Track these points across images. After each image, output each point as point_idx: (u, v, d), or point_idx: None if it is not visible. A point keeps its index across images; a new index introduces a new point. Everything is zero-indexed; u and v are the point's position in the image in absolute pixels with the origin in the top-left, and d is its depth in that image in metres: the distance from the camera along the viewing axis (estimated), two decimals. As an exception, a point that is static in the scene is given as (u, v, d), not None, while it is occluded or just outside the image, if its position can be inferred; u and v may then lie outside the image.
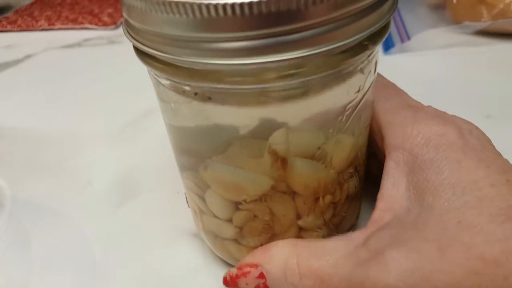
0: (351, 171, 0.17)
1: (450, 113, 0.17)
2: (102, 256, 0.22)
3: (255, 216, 0.16)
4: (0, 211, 0.26)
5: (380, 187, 0.17)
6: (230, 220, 0.17)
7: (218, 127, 0.15)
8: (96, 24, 0.51)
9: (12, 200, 0.27)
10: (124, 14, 0.14)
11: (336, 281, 0.15)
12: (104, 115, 0.35)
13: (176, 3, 0.11)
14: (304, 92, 0.13)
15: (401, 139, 0.16)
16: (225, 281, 0.17)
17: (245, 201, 0.16)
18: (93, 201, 0.26)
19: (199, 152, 0.16)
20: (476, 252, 0.13)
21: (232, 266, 0.20)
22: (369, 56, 0.14)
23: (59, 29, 0.53)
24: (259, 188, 0.15)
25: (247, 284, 0.17)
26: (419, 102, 0.18)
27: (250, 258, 0.17)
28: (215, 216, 0.17)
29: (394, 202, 0.16)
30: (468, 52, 0.36)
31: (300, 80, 0.12)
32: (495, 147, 0.16)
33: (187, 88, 0.14)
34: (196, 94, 0.13)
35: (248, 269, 0.17)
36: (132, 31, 0.14)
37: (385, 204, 0.16)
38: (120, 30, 0.51)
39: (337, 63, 0.13)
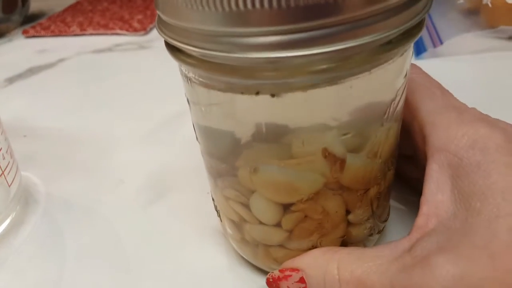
0: (392, 159, 0.17)
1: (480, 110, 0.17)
2: (134, 253, 0.22)
3: (306, 216, 0.16)
4: (35, 207, 0.27)
5: (423, 191, 0.16)
6: (278, 225, 0.17)
7: (272, 125, 0.15)
8: (126, 30, 0.52)
9: (46, 197, 0.27)
10: (158, 11, 0.14)
11: (378, 287, 0.14)
12: (135, 117, 0.35)
13: None
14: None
15: (445, 140, 0.16)
16: (268, 282, 0.18)
17: (300, 201, 0.16)
18: (125, 199, 0.26)
19: (249, 157, 0.16)
20: None
21: (261, 270, 0.20)
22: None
23: (91, 34, 0.54)
24: (313, 186, 0.15)
25: (288, 287, 0.17)
26: (464, 104, 0.18)
27: (292, 262, 0.17)
28: (260, 223, 0.17)
29: (438, 206, 0.15)
30: (503, 57, 0.35)
31: (335, 75, 0.12)
32: None
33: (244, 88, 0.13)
34: (257, 93, 0.13)
35: (289, 272, 0.17)
36: (164, 27, 0.14)
37: (429, 208, 0.16)
38: (150, 36, 0.52)
39: (378, 55, 0.12)
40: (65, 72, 0.46)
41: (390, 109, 0.15)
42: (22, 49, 0.53)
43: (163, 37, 0.14)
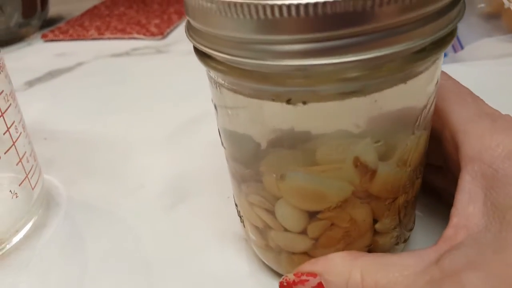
0: (421, 168, 0.17)
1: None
2: (154, 257, 0.22)
3: (332, 224, 0.16)
4: (56, 210, 0.27)
5: (454, 202, 0.16)
6: (303, 232, 0.17)
7: (298, 132, 0.14)
8: (143, 34, 0.53)
9: (68, 200, 0.28)
10: (188, 17, 0.14)
11: None
12: (154, 121, 0.35)
13: (241, 4, 0.11)
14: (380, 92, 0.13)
15: (478, 150, 0.15)
16: (282, 286, 0.17)
17: (328, 209, 0.15)
18: (146, 203, 0.26)
19: (276, 163, 0.16)
20: None
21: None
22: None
23: (108, 38, 0.55)
24: (341, 194, 0.15)
25: None
26: (497, 110, 0.17)
27: (310, 266, 0.16)
28: (285, 230, 0.17)
29: (469, 219, 0.15)
30: (525, 62, 0.35)
31: (364, 83, 0.12)
32: None
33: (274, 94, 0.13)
34: (289, 100, 0.13)
35: (306, 277, 0.16)
36: (194, 33, 0.14)
37: (460, 220, 0.15)
38: (167, 40, 0.52)
39: (411, 63, 0.12)
40: (83, 75, 0.46)
41: (421, 117, 0.14)
42: (41, 53, 0.54)
43: (193, 43, 0.14)
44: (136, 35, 0.53)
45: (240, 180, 0.18)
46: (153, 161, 0.30)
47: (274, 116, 0.14)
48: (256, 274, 0.21)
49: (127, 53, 0.50)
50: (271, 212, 0.17)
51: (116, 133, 0.34)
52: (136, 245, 0.23)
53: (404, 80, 0.13)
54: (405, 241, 0.19)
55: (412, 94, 0.14)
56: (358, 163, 0.14)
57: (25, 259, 0.23)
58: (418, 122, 0.15)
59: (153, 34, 0.53)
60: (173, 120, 0.35)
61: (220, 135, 0.18)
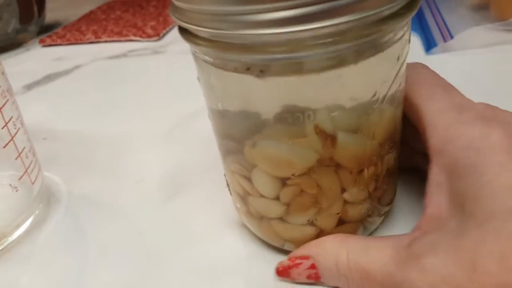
0: (390, 143, 0.17)
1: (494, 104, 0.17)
2: (155, 246, 0.23)
3: (302, 191, 0.17)
4: (57, 205, 0.27)
5: (425, 193, 0.17)
6: (277, 198, 0.18)
7: (259, 107, 0.16)
8: (140, 36, 0.54)
9: (68, 195, 0.28)
10: None
11: (379, 278, 0.15)
12: (151, 118, 0.36)
13: None
14: (341, 62, 0.14)
15: (443, 142, 0.16)
16: (278, 271, 0.19)
17: (293, 175, 0.17)
18: (145, 196, 0.27)
19: (243, 134, 0.17)
20: (509, 264, 0.13)
21: (278, 249, 0.20)
22: (405, 24, 0.15)
23: (105, 41, 0.55)
24: (306, 161, 0.16)
25: (299, 274, 0.18)
26: (470, 100, 0.17)
27: (302, 250, 0.18)
28: (261, 196, 0.18)
29: (439, 209, 0.16)
30: (514, 49, 0.35)
31: (337, 48, 0.13)
32: None
33: (236, 64, 0.14)
34: (248, 69, 0.14)
35: (299, 260, 0.18)
36: (178, 13, 0.15)
37: (430, 210, 0.16)
38: (163, 41, 0.53)
39: (373, 31, 0.13)
40: (81, 78, 0.47)
41: (380, 91, 0.15)
42: (39, 57, 0.55)
43: (177, 22, 0.15)
44: (132, 37, 0.54)
45: (224, 152, 0.19)
46: (151, 156, 0.31)
47: (249, 89, 0.15)
48: (253, 257, 0.21)
49: (124, 55, 0.51)
50: (249, 179, 0.18)
51: (115, 131, 0.35)
52: (136, 236, 0.24)
53: (370, 54, 0.14)
54: (382, 215, 0.20)
55: (371, 71, 0.15)
56: (318, 130, 0.15)
57: (27, 253, 0.24)
58: (377, 97, 0.15)
59: (149, 36, 0.53)
60: (170, 116, 0.35)
61: (208, 114, 0.19)
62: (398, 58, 0.15)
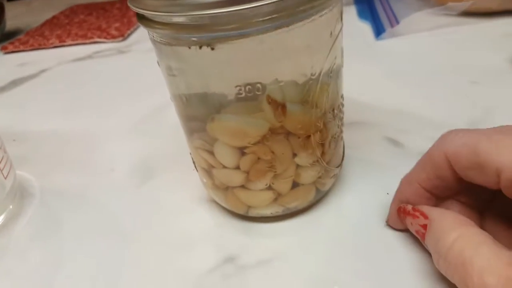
0: (333, 112, 0.20)
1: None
2: (130, 226, 0.24)
3: (258, 158, 0.19)
4: (30, 200, 0.28)
5: None
6: (237, 167, 0.20)
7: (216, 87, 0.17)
8: (105, 38, 0.54)
9: (41, 190, 0.29)
10: None
11: (476, 274, 0.15)
12: (119, 114, 0.37)
13: None
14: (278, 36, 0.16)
15: None
16: (399, 209, 0.20)
17: (249, 143, 0.18)
18: (117, 183, 0.28)
19: (203, 112, 0.19)
20: None
21: (243, 216, 0.23)
22: (335, 2, 0.17)
23: (70, 45, 0.56)
24: (259, 130, 0.18)
25: (411, 224, 0.19)
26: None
27: (427, 209, 0.18)
28: (224, 167, 0.20)
29: None
30: (454, 31, 0.38)
31: (274, 24, 0.15)
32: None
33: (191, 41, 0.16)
34: (200, 47, 0.16)
35: (419, 214, 0.18)
36: (135, 2, 0.17)
37: None
38: (128, 41, 0.54)
39: (306, 7, 0.15)
40: (48, 81, 0.47)
41: (317, 65, 0.17)
42: (2, 64, 0.54)
43: (134, 9, 0.17)
44: (97, 39, 0.55)
45: (188, 131, 0.21)
46: (121, 148, 0.32)
47: (204, 67, 0.17)
48: (221, 226, 0.23)
49: (89, 57, 0.51)
50: (212, 153, 0.20)
51: (84, 128, 0.36)
52: (110, 221, 0.25)
53: (304, 31, 0.16)
54: (333, 177, 0.22)
55: (302, 44, 0.17)
56: (270, 100, 0.17)
57: (3, 244, 0.25)
58: (314, 70, 0.18)
59: (114, 37, 0.54)
60: (138, 111, 0.37)
61: (171, 97, 0.20)
62: (331, 34, 0.17)
